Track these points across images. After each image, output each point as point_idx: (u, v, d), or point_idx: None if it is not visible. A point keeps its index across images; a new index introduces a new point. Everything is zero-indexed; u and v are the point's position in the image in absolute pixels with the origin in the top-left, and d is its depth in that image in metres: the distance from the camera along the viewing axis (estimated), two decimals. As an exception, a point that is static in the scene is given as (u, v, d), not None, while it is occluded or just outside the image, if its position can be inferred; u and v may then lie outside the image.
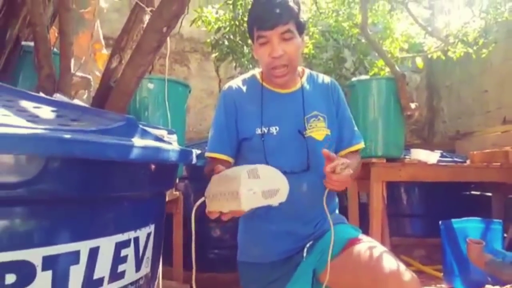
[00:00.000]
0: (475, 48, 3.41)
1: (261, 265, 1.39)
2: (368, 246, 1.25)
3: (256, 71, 1.48)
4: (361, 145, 1.47)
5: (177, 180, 2.94)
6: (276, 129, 1.35)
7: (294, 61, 1.34)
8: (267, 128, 1.35)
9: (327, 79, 1.49)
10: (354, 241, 1.27)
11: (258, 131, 1.35)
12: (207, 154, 1.42)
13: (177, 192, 2.90)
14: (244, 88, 1.43)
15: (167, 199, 2.46)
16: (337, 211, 1.49)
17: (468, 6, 3.38)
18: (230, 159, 1.41)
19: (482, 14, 3.34)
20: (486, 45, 3.42)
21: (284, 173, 1.10)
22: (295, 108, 1.38)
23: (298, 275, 1.30)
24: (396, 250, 3.56)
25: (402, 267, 1.16)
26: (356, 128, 1.49)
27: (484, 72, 4.37)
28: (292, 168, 1.30)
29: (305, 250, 1.34)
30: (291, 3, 1.30)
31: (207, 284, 3.27)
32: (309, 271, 1.31)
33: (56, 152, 0.67)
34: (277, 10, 1.27)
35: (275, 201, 1.06)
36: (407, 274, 1.13)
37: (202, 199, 1.12)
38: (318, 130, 1.36)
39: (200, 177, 3.94)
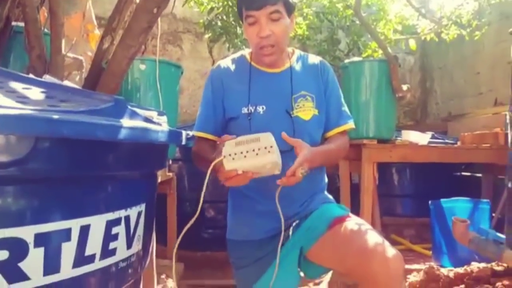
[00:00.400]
0: (468, 30, 3.41)
1: (248, 242, 1.42)
2: (354, 224, 1.28)
3: (246, 51, 1.49)
4: (348, 125, 1.46)
5: (170, 161, 2.96)
6: (263, 108, 1.36)
7: (281, 41, 1.35)
8: (254, 107, 1.36)
9: (316, 59, 1.49)
10: (340, 219, 1.30)
11: (245, 110, 1.37)
12: (194, 132, 1.45)
13: (171, 173, 2.92)
14: (232, 68, 1.44)
15: (160, 180, 2.49)
16: (325, 192, 1.52)
17: (462, -13, 3.36)
18: (215, 138, 1.44)
19: (476, -4, 3.33)
20: (479, 27, 3.42)
21: None
22: (283, 88, 1.39)
23: (284, 252, 1.33)
24: (386, 230, 3.64)
25: (387, 243, 1.19)
26: (345, 108, 1.48)
27: (476, 54, 4.37)
28: (279, 147, 1.32)
29: (291, 229, 1.37)
30: None
31: (201, 262, 3.34)
32: (296, 249, 1.34)
33: (44, 132, 0.68)
34: None
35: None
36: (391, 250, 1.17)
37: (221, 157, 1.14)
38: (305, 110, 1.38)
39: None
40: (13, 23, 2.17)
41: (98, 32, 2.75)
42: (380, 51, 3.16)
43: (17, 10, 2.21)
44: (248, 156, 1.13)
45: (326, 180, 1.54)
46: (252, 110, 1.36)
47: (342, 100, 1.49)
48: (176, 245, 1.20)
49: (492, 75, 4.09)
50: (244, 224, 1.44)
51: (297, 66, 1.44)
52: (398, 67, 2.85)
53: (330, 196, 1.50)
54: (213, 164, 1.15)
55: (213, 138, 1.44)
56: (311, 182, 1.39)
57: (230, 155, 1.13)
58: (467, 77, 4.57)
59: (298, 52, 1.50)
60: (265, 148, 1.12)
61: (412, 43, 3.48)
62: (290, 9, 1.35)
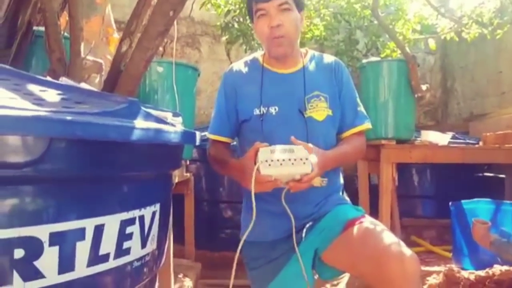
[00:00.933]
0: (490, 29, 3.34)
1: (261, 243, 1.42)
2: (368, 225, 1.27)
3: (258, 54, 1.49)
4: (365, 126, 1.45)
5: (188, 162, 2.99)
6: (275, 109, 1.36)
7: (291, 33, 1.36)
8: (266, 108, 1.36)
9: (331, 59, 1.48)
10: (354, 220, 1.29)
11: (257, 112, 1.37)
12: (208, 135, 1.47)
13: (188, 174, 2.95)
14: (245, 70, 1.45)
15: (177, 180, 2.52)
16: (341, 193, 1.50)
17: (483, -15, 3.29)
18: (229, 140, 1.48)
19: (498, -7, 3.26)
20: (501, 26, 3.34)
21: None
22: (296, 88, 1.39)
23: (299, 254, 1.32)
24: (406, 231, 3.59)
25: (402, 244, 1.18)
26: (361, 109, 1.47)
27: (498, 53, 4.27)
28: None
29: (305, 230, 1.36)
30: None
31: (218, 262, 3.34)
32: (310, 251, 1.33)
33: (58, 133, 0.70)
34: None
35: None
36: (407, 251, 1.15)
37: (259, 163, 1.19)
38: (319, 110, 1.37)
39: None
40: (35, 28, 2.22)
41: (117, 36, 2.80)
42: (399, 51, 3.12)
43: (38, 16, 2.27)
44: (284, 164, 1.18)
45: (342, 181, 1.52)
46: (265, 111, 1.36)
47: (358, 100, 1.48)
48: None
49: (515, 74, 3.99)
50: (256, 225, 1.45)
51: (311, 66, 1.44)
52: (417, 66, 2.81)
53: (346, 197, 1.49)
54: (255, 168, 1.19)
55: (227, 141, 1.46)
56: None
57: (266, 161, 1.18)
58: (489, 76, 4.47)
59: (311, 52, 1.49)
60: (301, 159, 1.19)
61: (432, 43, 3.43)
62: (299, 4, 1.37)
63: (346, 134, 1.45)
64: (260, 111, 1.36)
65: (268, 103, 1.37)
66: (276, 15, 1.31)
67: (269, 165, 1.18)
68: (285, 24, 1.32)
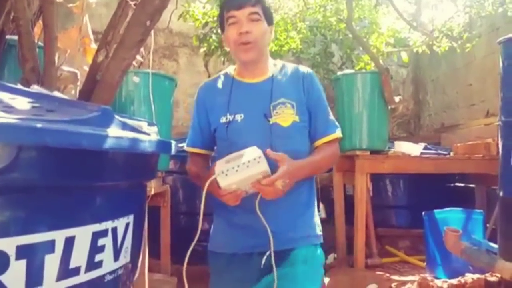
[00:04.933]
0: (459, 42, 3.46)
1: (223, 255, 1.41)
2: None
3: (231, 68, 1.52)
4: (336, 134, 1.45)
5: (164, 174, 2.95)
6: (241, 116, 1.38)
7: (260, 41, 1.39)
8: (232, 116, 1.39)
9: (301, 68, 1.50)
10: None
11: (223, 119, 1.40)
12: (185, 148, 1.52)
13: (165, 186, 2.91)
14: (216, 83, 1.50)
15: (154, 192, 2.48)
16: (314, 215, 1.44)
17: (452, 1, 3.41)
18: (204, 152, 1.50)
19: (467, 9, 3.38)
20: (470, 39, 3.46)
21: None
22: (262, 96, 1.40)
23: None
24: (381, 241, 3.63)
25: None
26: (331, 117, 1.48)
27: (468, 66, 4.42)
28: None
29: (263, 261, 1.32)
30: None
31: (195, 276, 3.29)
32: None
33: (27, 141, 0.68)
34: None
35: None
36: None
37: (214, 176, 1.19)
38: (285, 116, 1.38)
39: (187, 171, 3.93)
40: (8, 37, 2.18)
41: (94, 46, 2.76)
42: (373, 64, 3.19)
43: (12, 24, 2.22)
44: (239, 169, 1.18)
45: (315, 197, 1.48)
46: (231, 119, 1.39)
47: (329, 109, 1.49)
48: (185, 264, 1.28)
49: (484, 87, 4.14)
50: (220, 235, 1.45)
51: (279, 75, 1.46)
52: (390, 79, 2.88)
53: (316, 224, 1.43)
54: (208, 182, 1.20)
55: (203, 152, 1.50)
56: (295, 195, 1.35)
57: (223, 172, 1.19)
58: (459, 88, 4.61)
59: (281, 63, 1.51)
60: (254, 159, 1.19)
61: (404, 56, 3.52)
62: (268, 17, 1.42)
63: (318, 143, 1.44)
64: (226, 118, 1.39)
65: (234, 111, 1.39)
66: (246, 23, 1.36)
67: (226, 175, 1.18)
68: (254, 32, 1.36)
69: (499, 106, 2.21)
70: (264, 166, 1.19)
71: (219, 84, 1.49)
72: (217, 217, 1.49)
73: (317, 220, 1.45)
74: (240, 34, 1.36)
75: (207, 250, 1.48)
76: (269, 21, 1.43)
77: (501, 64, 2.13)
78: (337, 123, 1.48)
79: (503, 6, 3.21)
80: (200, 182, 1.39)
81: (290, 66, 1.50)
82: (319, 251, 1.42)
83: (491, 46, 3.86)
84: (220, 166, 1.21)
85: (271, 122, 1.37)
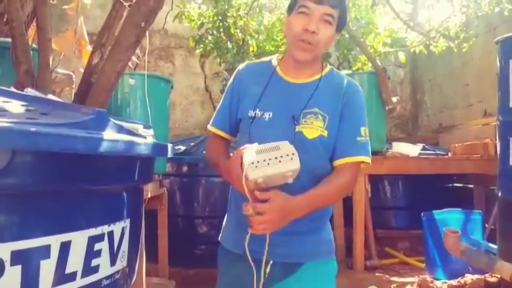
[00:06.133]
0: (456, 42, 3.46)
1: (230, 252, 1.38)
2: None
3: (275, 57, 1.44)
4: (359, 158, 1.27)
5: (161, 176, 2.94)
6: (269, 115, 1.29)
7: (321, 45, 1.29)
8: (261, 112, 1.30)
9: (345, 80, 1.38)
10: None
11: (251, 113, 1.30)
12: (209, 127, 1.42)
13: (162, 189, 2.90)
14: (256, 69, 1.40)
15: (150, 195, 2.47)
16: (326, 227, 1.37)
17: (449, 1, 3.42)
18: (228, 136, 1.41)
19: (463, 9, 3.39)
20: (467, 39, 3.47)
21: None
22: (297, 100, 1.31)
23: None
24: (380, 242, 3.62)
25: None
26: (361, 139, 1.30)
27: (465, 66, 4.43)
28: None
29: (269, 266, 1.25)
30: None
31: (193, 279, 3.28)
32: None
33: (21, 145, 0.67)
34: None
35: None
36: None
37: (246, 167, 1.10)
38: (312, 128, 1.28)
39: (185, 173, 3.90)
40: (1, 39, 2.16)
41: (90, 48, 2.74)
42: (370, 64, 3.19)
43: (5, 27, 2.21)
44: (271, 163, 1.10)
45: (331, 207, 1.39)
46: (259, 115, 1.30)
47: (362, 131, 1.31)
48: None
49: (481, 87, 4.14)
50: (228, 232, 1.41)
51: (323, 82, 1.35)
52: (388, 79, 2.87)
53: (330, 239, 1.36)
54: (243, 174, 1.10)
55: (226, 137, 1.40)
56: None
57: (252, 163, 1.10)
58: (456, 88, 4.62)
59: (329, 68, 1.40)
60: (287, 155, 1.11)
61: (402, 56, 3.52)
62: (341, 24, 1.31)
63: (336, 162, 1.30)
64: (254, 113, 1.32)
65: (264, 108, 1.30)
66: (316, 21, 1.24)
67: (256, 166, 1.09)
68: (320, 34, 1.25)
69: (497, 106, 2.20)
70: (296, 164, 1.10)
71: (259, 72, 1.38)
72: (229, 213, 1.42)
73: (330, 235, 1.37)
74: (305, 30, 1.25)
75: (206, 253, 1.45)
76: (340, 28, 1.32)
77: (498, 64, 2.13)
78: (368, 148, 1.30)
79: (499, 5, 3.22)
80: (216, 167, 1.35)
81: (337, 76, 1.39)
82: (331, 264, 1.35)
83: (488, 46, 3.86)
84: (249, 156, 1.11)
85: (296, 130, 1.27)
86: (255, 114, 1.30)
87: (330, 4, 1.25)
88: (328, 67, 1.39)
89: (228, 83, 1.44)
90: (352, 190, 1.37)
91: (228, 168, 1.18)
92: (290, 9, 1.31)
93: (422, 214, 2.86)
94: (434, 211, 2.78)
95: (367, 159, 1.27)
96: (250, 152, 1.12)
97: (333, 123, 1.29)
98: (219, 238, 1.44)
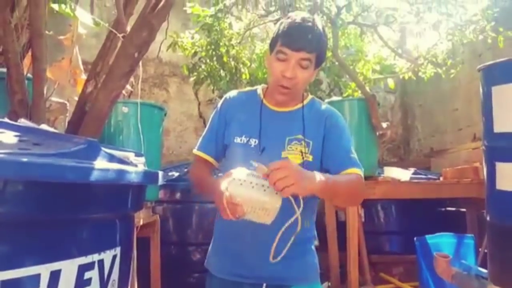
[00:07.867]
0: (444, 68, 3.54)
1: (214, 276, 1.40)
2: None
3: (260, 87, 1.49)
4: (356, 170, 1.33)
5: (153, 203, 2.93)
6: (255, 141, 1.34)
7: (299, 87, 1.36)
8: (247, 139, 1.35)
9: (327, 108, 1.46)
10: None
11: (237, 140, 1.36)
12: (194, 151, 1.46)
13: (155, 216, 2.88)
14: (243, 97, 1.46)
15: (143, 222, 2.46)
16: (312, 251, 1.40)
17: (435, 29, 3.52)
18: (213, 161, 1.44)
19: (449, 36, 3.49)
20: (454, 66, 3.55)
21: None
22: (282, 127, 1.37)
23: None
24: (375, 268, 3.60)
25: None
26: (354, 156, 1.37)
27: (453, 91, 4.52)
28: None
29: None
30: (323, 37, 1.34)
31: (186, 308, 3.22)
32: None
33: (12, 175, 0.68)
34: (309, 36, 1.29)
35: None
36: None
37: (231, 179, 1.11)
38: (297, 154, 1.34)
39: (178, 200, 3.87)
40: (-4, 69, 2.19)
41: (85, 77, 2.79)
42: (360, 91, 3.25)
43: (1, 57, 2.24)
44: (255, 188, 1.10)
45: (314, 233, 1.44)
46: (245, 141, 1.35)
47: (353, 150, 1.39)
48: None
49: (469, 111, 4.21)
50: (213, 255, 1.44)
51: (305, 110, 1.41)
52: (377, 105, 2.93)
53: (316, 264, 1.40)
54: (224, 181, 1.12)
55: (210, 161, 1.44)
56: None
57: (239, 179, 1.11)
58: (446, 113, 4.69)
59: (311, 97, 1.48)
60: (274, 190, 1.09)
61: (391, 82, 3.60)
62: (319, 63, 1.36)
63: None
64: (240, 140, 1.36)
65: (250, 135, 1.36)
66: (293, 67, 1.30)
67: (241, 184, 1.10)
68: (298, 79, 1.31)
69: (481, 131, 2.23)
70: (278, 201, 1.09)
71: (246, 101, 1.44)
72: (214, 236, 1.47)
73: (315, 259, 1.40)
74: (283, 76, 1.31)
75: (199, 282, 1.46)
76: (318, 65, 1.36)
77: (481, 90, 2.18)
78: (359, 163, 1.36)
79: (483, 33, 3.32)
80: (202, 189, 1.38)
81: (318, 104, 1.46)
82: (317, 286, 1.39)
83: (475, 72, 3.90)
84: (239, 173, 1.13)
85: (282, 156, 1.33)
86: (241, 140, 1.35)
87: (307, 50, 1.30)
88: (310, 96, 1.47)
89: (215, 110, 1.48)
90: (363, 195, 1.39)
91: (214, 184, 1.19)
92: (271, 48, 1.38)
93: (415, 238, 2.86)
94: (426, 236, 2.78)
95: (361, 172, 1.33)
96: (240, 171, 1.14)
97: (317, 147, 1.36)
98: (204, 264, 1.47)
